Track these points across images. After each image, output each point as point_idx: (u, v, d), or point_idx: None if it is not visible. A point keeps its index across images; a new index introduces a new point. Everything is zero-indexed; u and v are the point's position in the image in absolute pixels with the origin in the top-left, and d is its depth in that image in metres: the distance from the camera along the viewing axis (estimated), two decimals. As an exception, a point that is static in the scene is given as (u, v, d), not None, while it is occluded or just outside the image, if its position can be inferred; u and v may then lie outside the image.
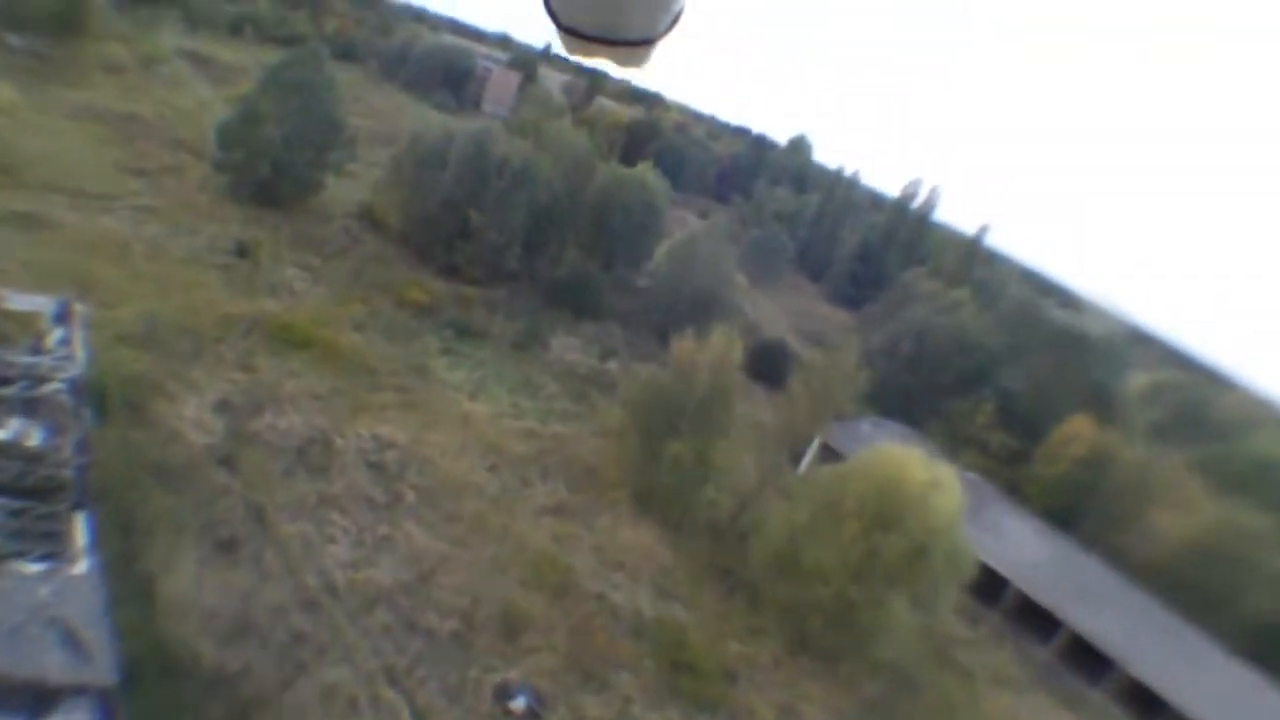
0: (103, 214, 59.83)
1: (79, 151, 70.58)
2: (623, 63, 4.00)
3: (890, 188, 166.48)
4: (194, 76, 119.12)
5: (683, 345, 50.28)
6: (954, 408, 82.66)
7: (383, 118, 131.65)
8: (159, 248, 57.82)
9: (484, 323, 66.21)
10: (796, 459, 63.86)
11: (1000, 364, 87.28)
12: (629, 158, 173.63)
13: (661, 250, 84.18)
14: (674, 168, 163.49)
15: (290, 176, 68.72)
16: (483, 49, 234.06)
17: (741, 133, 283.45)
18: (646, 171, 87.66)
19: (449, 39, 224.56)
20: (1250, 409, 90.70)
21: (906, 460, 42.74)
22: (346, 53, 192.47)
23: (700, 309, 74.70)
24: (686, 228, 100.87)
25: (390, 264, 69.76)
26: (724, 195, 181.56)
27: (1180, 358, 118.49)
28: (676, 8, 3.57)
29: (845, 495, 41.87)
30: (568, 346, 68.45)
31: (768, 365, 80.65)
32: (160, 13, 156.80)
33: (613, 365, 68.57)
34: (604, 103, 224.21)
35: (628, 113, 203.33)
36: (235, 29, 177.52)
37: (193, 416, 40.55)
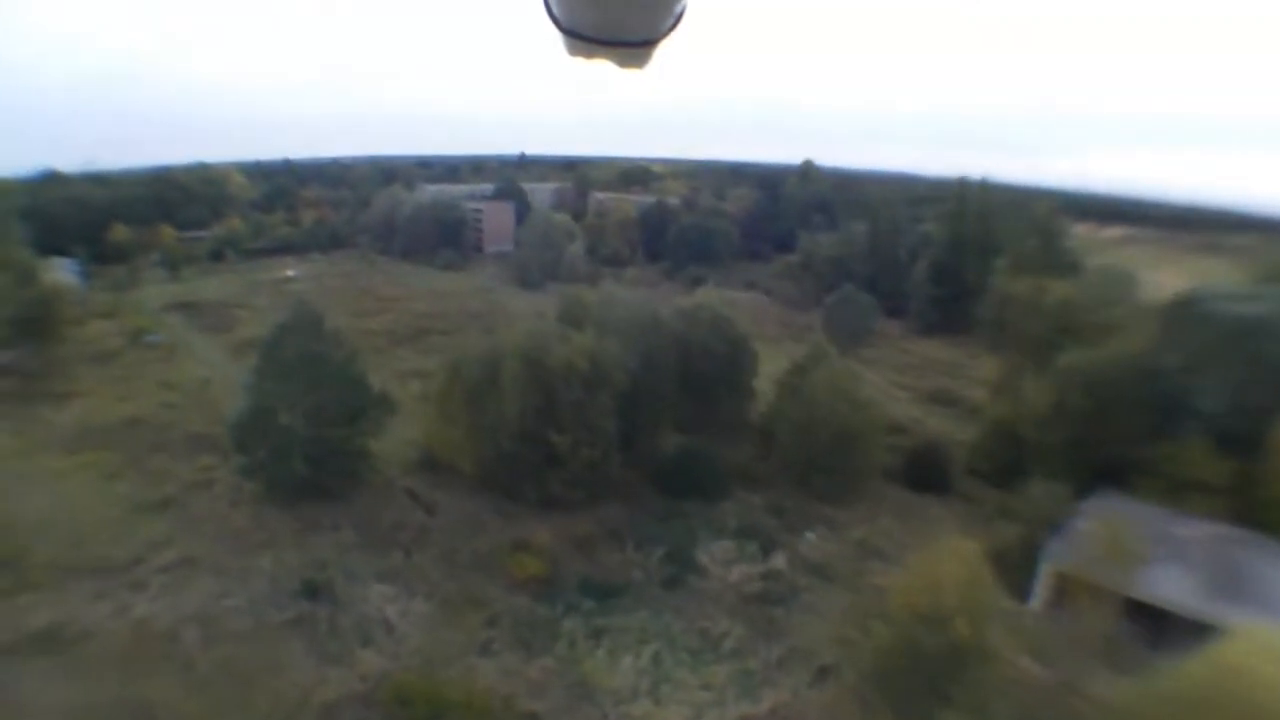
0: (135, 593, 48.94)
1: (85, 498, 60.70)
2: (624, 64, 4.08)
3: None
4: (188, 332, 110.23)
5: (908, 577, 38.49)
6: (1158, 453, 68.62)
7: (395, 307, 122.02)
8: (212, 623, 46.58)
9: (617, 566, 54.44)
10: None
11: (1178, 378, 73.23)
12: (653, 249, 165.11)
13: (763, 384, 73.14)
14: (699, 246, 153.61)
15: (329, 464, 57.90)
16: (462, 188, 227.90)
17: (740, 171, 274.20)
18: (710, 299, 76.68)
19: (430, 191, 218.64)
20: None
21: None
22: (335, 241, 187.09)
23: (840, 443, 63.16)
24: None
25: (483, 527, 58.24)
26: (758, 252, 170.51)
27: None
28: (678, 8, 3.63)
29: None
30: (720, 558, 56.32)
31: (923, 473, 68.87)
32: (135, 267, 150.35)
33: (780, 562, 56.36)
34: (600, 198, 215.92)
35: (629, 201, 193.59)
36: (216, 256, 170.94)
37: None
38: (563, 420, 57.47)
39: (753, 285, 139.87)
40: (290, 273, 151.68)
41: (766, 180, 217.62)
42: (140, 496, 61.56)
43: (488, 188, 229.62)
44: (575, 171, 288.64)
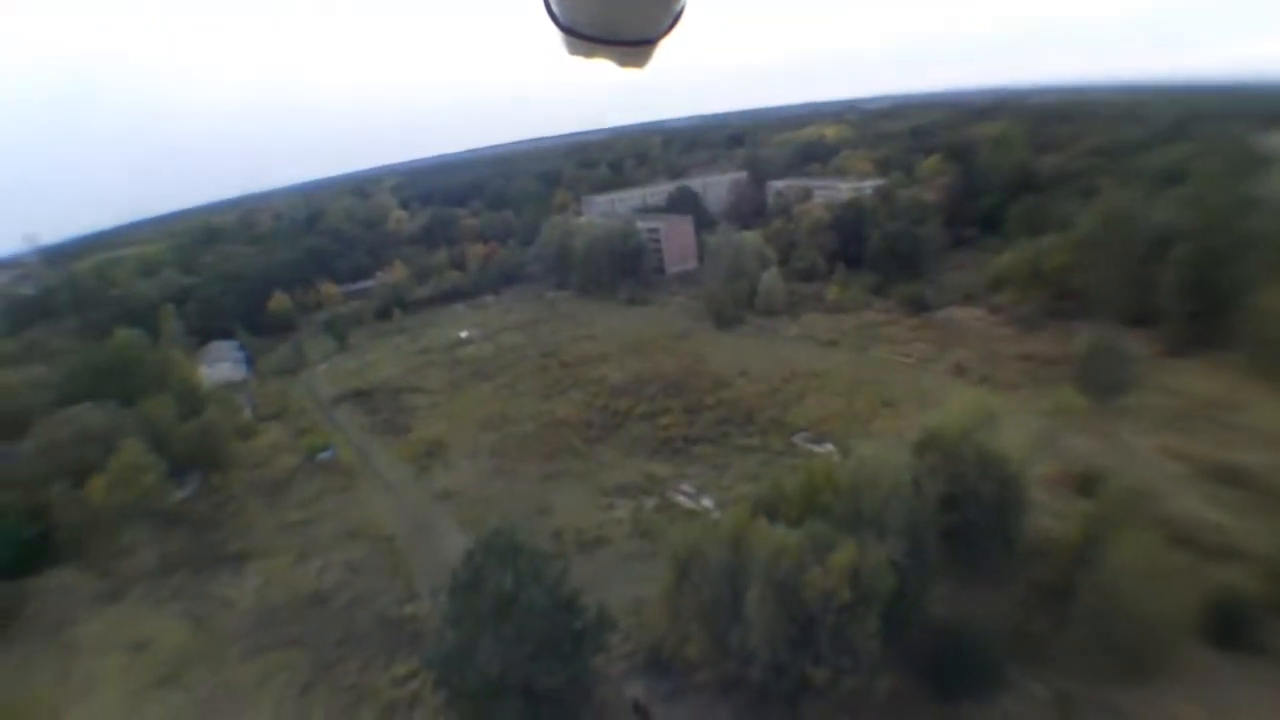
0: None
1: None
2: (623, 62, 4.13)
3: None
4: (363, 436, 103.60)
5: None
6: None
7: (586, 375, 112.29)
8: None
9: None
10: None
11: None
12: (850, 254, 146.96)
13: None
14: (904, 253, 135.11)
15: (542, 703, 47.85)
16: (632, 196, 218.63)
17: (905, 108, 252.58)
18: (972, 416, 61.67)
19: (597, 206, 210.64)
20: None
21: None
22: (505, 278, 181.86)
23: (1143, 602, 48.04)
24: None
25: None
26: (962, 238, 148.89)
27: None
28: (677, 7, 3.66)
29: None
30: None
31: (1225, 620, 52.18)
32: (299, 345, 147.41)
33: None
34: (779, 189, 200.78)
35: (815, 197, 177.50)
36: (383, 314, 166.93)
37: None
38: (821, 651, 45.54)
39: (971, 299, 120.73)
40: (464, 334, 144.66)
41: (953, 126, 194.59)
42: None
43: (659, 192, 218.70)
44: (745, 152, 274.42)
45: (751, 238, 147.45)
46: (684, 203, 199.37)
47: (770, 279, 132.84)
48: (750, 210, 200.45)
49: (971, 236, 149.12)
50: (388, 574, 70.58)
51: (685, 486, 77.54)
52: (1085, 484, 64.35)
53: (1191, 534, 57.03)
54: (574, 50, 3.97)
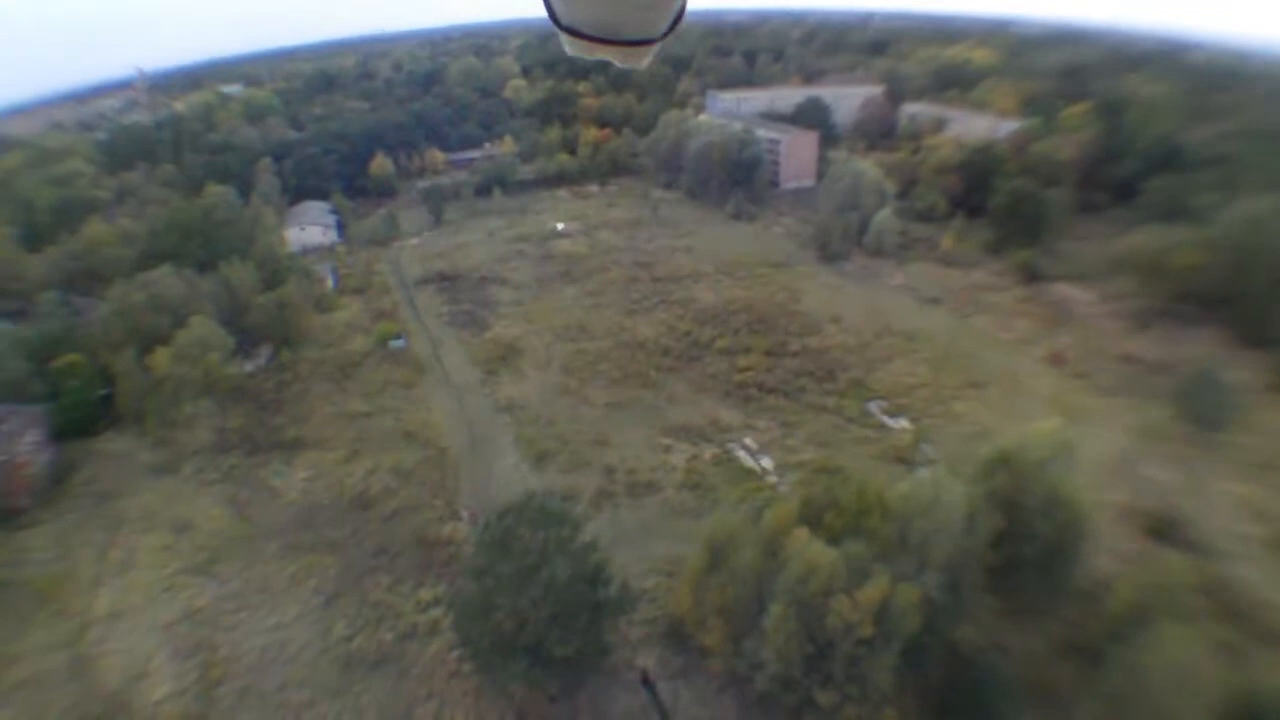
0: None
1: (301, 636, 54.73)
2: (624, 61, 4.15)
3: None
4: (439, 328, 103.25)
5: None
6: None
7: (674, 295, 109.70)
8: None
9: None
10: None
11: None
12: (973, 203, 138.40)
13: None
14: (1028, 213, 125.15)
15: (555, 667, 47.28)
16: (758, 97, 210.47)
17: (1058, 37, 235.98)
18: (1048, 446, 56.78)
19: (722, 105, 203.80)
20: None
21: None
22: (614, 168, 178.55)
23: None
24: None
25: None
26: (1093, 203, 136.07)
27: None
28: (676, 7, 3.76)
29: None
30: None
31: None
32: (392, 214, 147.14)
33: None
34: (912, 114, 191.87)
35: (953, 141, 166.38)
36: (483, 190, 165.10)
37: None
38: (832, 675, 43.52)
39: (1084, 278, 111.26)
40: (560, 226, 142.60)
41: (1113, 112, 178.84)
42: (354, 646, 55.11)
43: (789, 96, 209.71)
44: (886, 63, 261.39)
45: (872, 170, 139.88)
46: (811, 114, 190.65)
47: (884, 218, 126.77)
48: (880, 131, 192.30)
49: (1102, 203, 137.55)
50: (434, 487, 70.87)
51: (748, 440, 75.42)
52: (1155, 526, 60.95)
53: (1248, 610, 52.99)
54: (575, 49, 4.00)
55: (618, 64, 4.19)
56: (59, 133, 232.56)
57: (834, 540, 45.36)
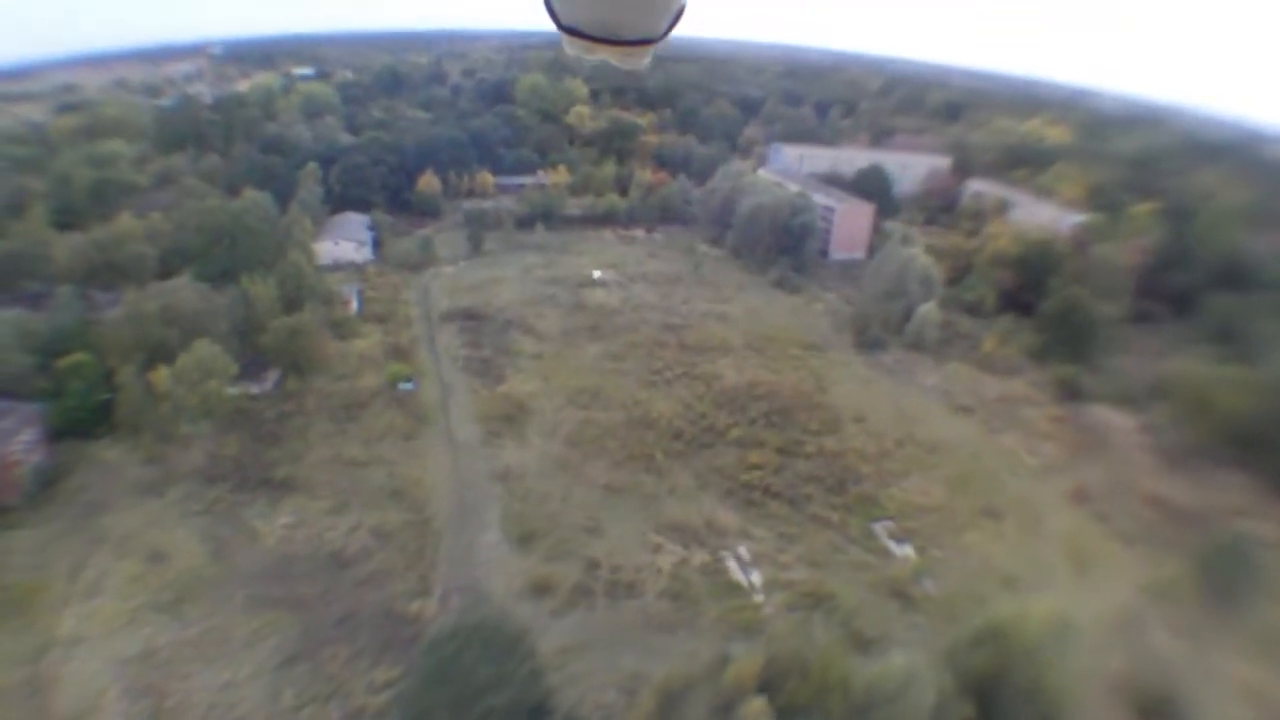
0: None
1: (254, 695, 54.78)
2: (623, 61, 4.39)
3: None
4: (452, 373, 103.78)
5: None
6: None
7: (698, 369, 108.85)
8: None
9: None
10: None
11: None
12: (1023, 301, 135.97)
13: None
14: (1079, 330, 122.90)
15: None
16: (822, 157, 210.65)
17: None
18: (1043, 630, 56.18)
19: (784, 159, 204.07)
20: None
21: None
22: (665, 214, 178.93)
23: None
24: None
25: None
26: (1149, 315, 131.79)
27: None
28: (676, 7, 3.96)
29: None
30: None
31: None
32: (428, 239, 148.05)
33: None
34: (975, 193, 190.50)
35: (1012, 231, 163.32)
36: (526, 223, 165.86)
37: None
38: None
39: (1125, 401, 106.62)
40: (598, 274, 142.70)
41: (1182, 167, 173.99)
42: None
43: (853, 159, 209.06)
44: (958, 131, 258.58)
45: (923, 257, 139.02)
46: (872, 182, 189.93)
47: (928, 311, 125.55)
48: (941, 206, 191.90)
49: (1158, 315, 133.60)
50: (412, 557, 71.04)
51: (742, 550, 74.79)
52: (1147, 706, 58.84)
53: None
54: (575, 49, 4.24)
55: (617, 64, 4.43)
56: (122, 93, 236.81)
57: (791, 715, 45.07)
